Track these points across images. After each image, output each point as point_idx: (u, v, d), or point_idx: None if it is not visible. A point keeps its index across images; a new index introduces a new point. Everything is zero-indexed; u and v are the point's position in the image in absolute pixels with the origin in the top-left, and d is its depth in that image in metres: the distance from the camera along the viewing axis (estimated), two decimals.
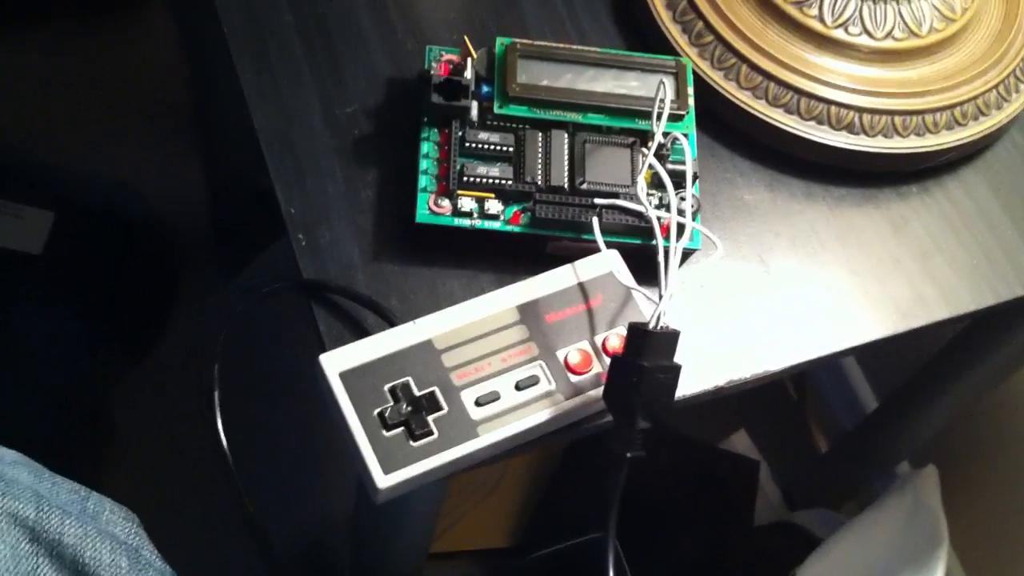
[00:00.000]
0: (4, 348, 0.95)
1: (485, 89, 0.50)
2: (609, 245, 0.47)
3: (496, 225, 0.48)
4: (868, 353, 0.51)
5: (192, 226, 1.10)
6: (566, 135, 0.49)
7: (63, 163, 1.09)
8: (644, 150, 0.49)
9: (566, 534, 0.76)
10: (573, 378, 0.45)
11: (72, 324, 0.97)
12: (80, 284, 0.99)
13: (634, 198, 0.48)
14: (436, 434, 0.43)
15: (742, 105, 0.52)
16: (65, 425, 0.94)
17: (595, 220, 0.47)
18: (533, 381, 0.45)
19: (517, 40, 0.50)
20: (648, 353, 0.42)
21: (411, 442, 0.43)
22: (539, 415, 0.44)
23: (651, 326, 0.43)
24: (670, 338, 0.43)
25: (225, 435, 0.48)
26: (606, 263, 0.47)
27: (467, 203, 0.48)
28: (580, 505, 0.90)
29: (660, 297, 0.43)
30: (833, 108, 0.52)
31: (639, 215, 0.47)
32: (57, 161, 1.09)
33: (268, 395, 0.80)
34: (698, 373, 0.48)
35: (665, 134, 0.48)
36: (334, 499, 0.79)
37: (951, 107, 0.53)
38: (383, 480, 0.42)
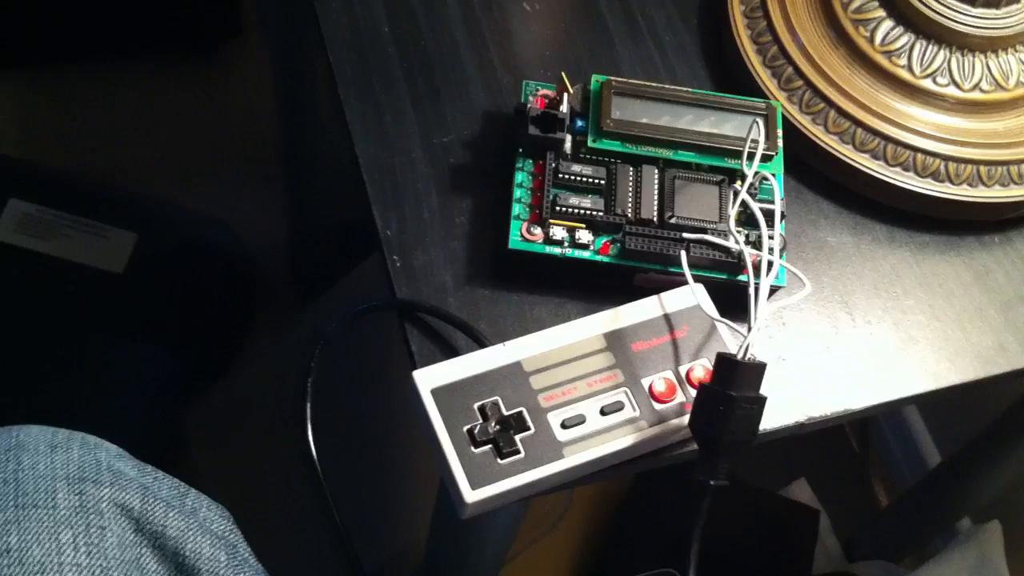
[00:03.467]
0: (82, 369, 0.98)
1: (579, 123, 0.51)
2: (695, 279, 0.48)
3: (586, 254, 0.49)
4: (944, 404, 0.52)
5: (270, 256, 1.13)
6: (656, 170, 0.51)
7: (149, 190, 1.12)
8: (736, 187, 0.50)
9: (629, 572, 0.76)
10: (657, 406, 0.46)
11: (149, 346, 1.00)
12: (159, 306, 1.02)
13: (722, 234, 0.49)
14: (523, 453, 0.44)
15: (829, 149, 0.53)
16: (141, 448, 0.96)
17: (683, 254, 0.48)
18: (618, 407, 0.46)
19: (612, 78, 0.52)
20: (735, 383, 0.43)
21: (498, 460, 0.44)
22: (623, 440, 0.45)
23: (739, 357, 0.44)
24: (757, 369, 0.44)
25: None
26: (692, 296, 0.48)
27: (559, 232, 0.49)
28: (643, 543, 0.90)
29: (749, 329, 0.44)
30: (919, 155, 0.53)
31: (726, 251, 0.49)
32: (144, 188, 1.13)
33: (341, 423, 0.81)
34: (780, 409, 0.49)
35: (755, 174, 0.49)
36: (405, 527, 0.80)
37: None
38: (471, 495, 0.43)
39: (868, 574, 0.94)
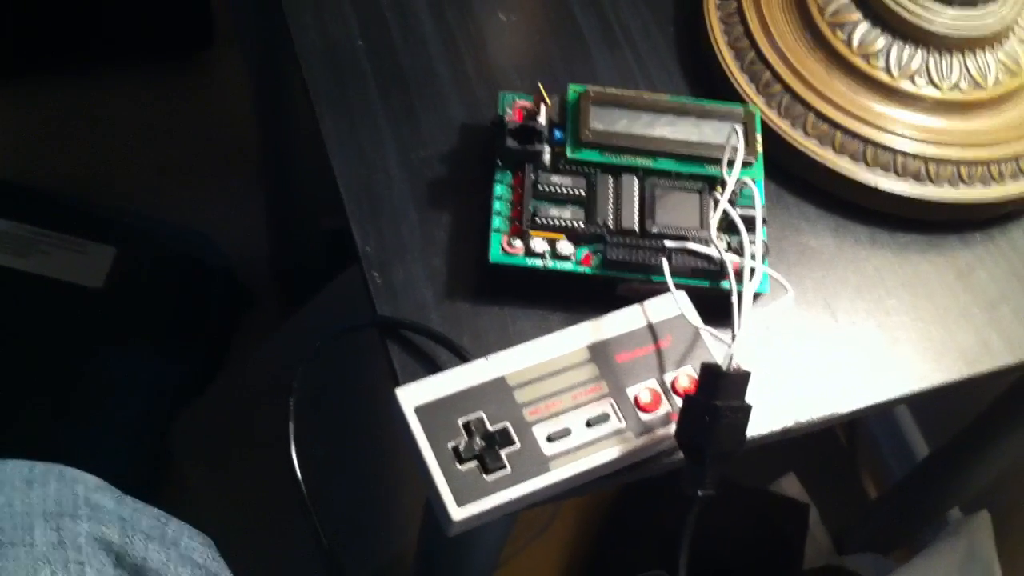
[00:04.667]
0: (65, 386, 0.97)
1: (557, 134, 0.51)
2: (678, 287, 0.48)
3: (568, 266, 0.49)
4: (931, 399, 0.52)
5: (252, 265, 1.13)
6: (636, 180, 0.50)
7: (127, 202, 1.12)
8: (717, 195, 0.50)
9: (620, 573, 0.76)
10: (643, 416, 0.46)
11: (133, 360, 0.99)
12: (141, 320, 1.02)
13: (703, 241, 0.49)
14: (509, 468, 0.44)
15: (809, 153, 0.53)
16: (126, 460, 0.95)
17: (665, 262, 0.48)
18: (604, 419, 0.46)
19: (590, 87, 0.52)
20: (720, 393, 0.43)
21: (484, 476, 0.44)
22: (610, 452, 0.45)
23: (724, 366, 0.44)
24: (742, 379, 0.44)
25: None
26: (675, 304, 0.48)
27: (540, 244, 0.49)
28: (633, 543, 0.90)
29: (733, 338, 0.44)
30: (899, 157, 0.53)
31: (708, 258, 0.48)
32: (121, 200, 1.12)
33: (328, 433, 0.81)
34: (766, 415, 0.49)
35: (735, 180, 0.49)
36: (394, 537, 0.79)
37: (1016, 158, 0.53)
38: (457, 512, 0.43)
39: (859, 567, 0.94)
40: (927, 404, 1.03)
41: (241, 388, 0.94)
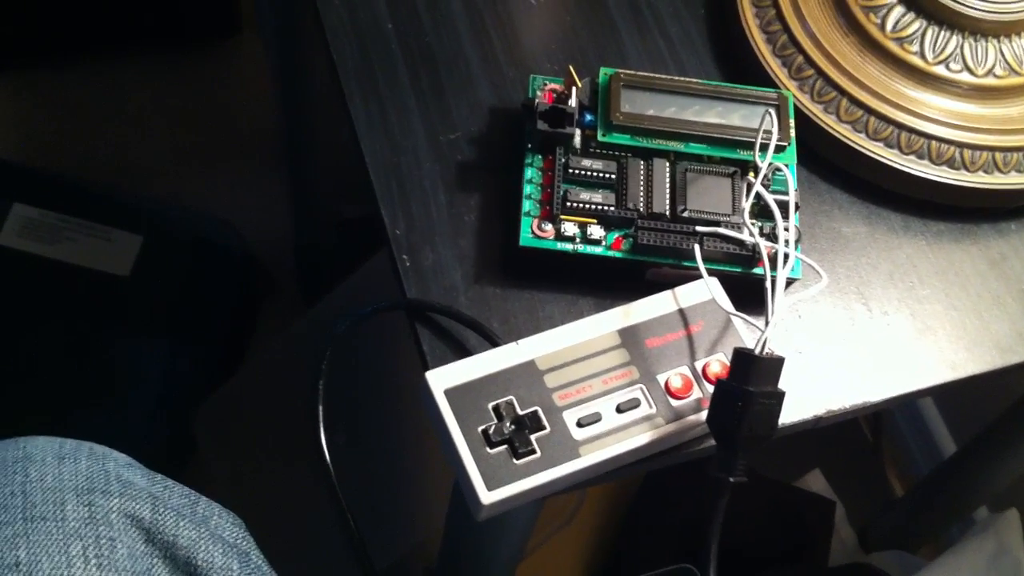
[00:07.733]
0: (91, 373, 0.97)
1: (588, 117, 0.51)
2: (709, 273, 0.47)
3: (598, 250, 0.49)
4: (961, 391, 0.51)
5: (274, 254, 1.13)
6: (668, 164, 0.50)
7: (153, 191, 1.12)
8: (751, 178, 0.49)
9: (643, 566, 0.76)
10: (674, 402, 0.46)
11: (157, 348, 0.99)
12: (166, 308, 1.02)
13: (736, 226, 0.48)
14: (539, 453, 0.44)
15: (842, 138, 0.53)
16: (151, 451, 0.95)
17: (697, 247, 0.47)
18: (634, 404, 0.45)
19: (621, 70, 0.51)
20: (753, 378, 0.43)
21: (514, 460, 0.43)
22: (640, 438, 0.45)
23: (757, 351, 0.43)
24: (775, 364, 0.43)
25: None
26: (706, 290, 0.48)
27: (570, 228, 0.49)
28: (658, 534, 0.89)
29: (767, 323, 0.44)
30: (934, 143, 0.52)
31: (740, 243, 0.48)
32: (147, 188, 1.13)
33: (351, 420, 0.81)
34: (797, 402, 0.48)
35: (768, 164, 0.49)
36: (417, 525, 0.79)
37: None
38: (487, 496, 0.43)
39: (884, 564, 0.93)
40: (954, 399, 1.02)
41: (264, 375, 0.94)
